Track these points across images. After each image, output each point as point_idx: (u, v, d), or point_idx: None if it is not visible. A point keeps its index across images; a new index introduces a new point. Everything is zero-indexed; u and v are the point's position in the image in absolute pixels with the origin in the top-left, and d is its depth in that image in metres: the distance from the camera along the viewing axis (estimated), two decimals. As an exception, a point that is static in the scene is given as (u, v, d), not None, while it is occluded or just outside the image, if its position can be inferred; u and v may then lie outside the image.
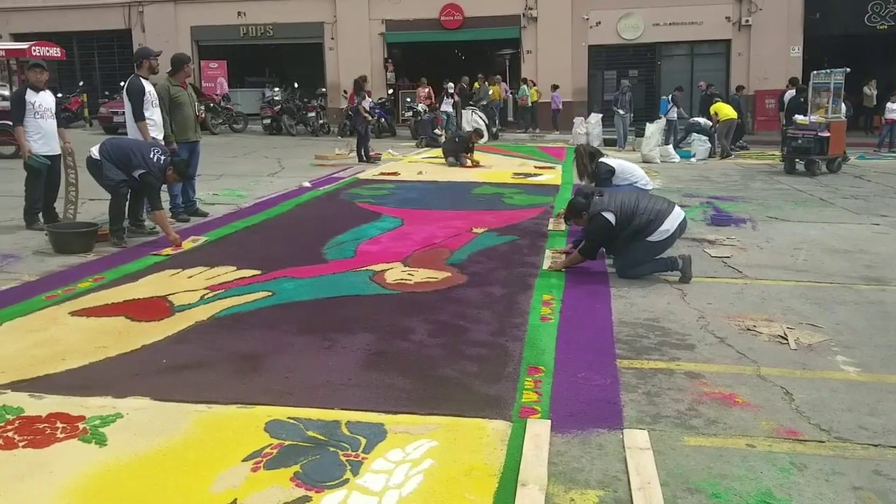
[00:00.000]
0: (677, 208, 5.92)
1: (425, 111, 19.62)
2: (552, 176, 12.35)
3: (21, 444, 3.07)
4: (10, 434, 3.16)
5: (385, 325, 4.67)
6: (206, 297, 5.22)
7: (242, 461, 2.93)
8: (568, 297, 5.33)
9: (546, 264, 6.23)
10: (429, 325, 4.69)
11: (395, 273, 5.95)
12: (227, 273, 5.85)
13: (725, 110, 15.98)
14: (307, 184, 11.01)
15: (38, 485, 2.76)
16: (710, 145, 15.95)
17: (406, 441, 3.12)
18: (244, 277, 5.74)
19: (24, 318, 4.76)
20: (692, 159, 15.19)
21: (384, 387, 3.72)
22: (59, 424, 3.25)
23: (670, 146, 15.46)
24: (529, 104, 21.99)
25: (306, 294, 5.36)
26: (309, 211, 9.02)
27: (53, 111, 7.69)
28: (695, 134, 16.16)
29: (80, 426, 3.23)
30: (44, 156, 7.50)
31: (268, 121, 21.10)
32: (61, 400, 3.50)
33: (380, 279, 5.76)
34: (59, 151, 7.74)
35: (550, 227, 7.93)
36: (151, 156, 6.78)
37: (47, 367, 3.92)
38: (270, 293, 5.33)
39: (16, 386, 3.66)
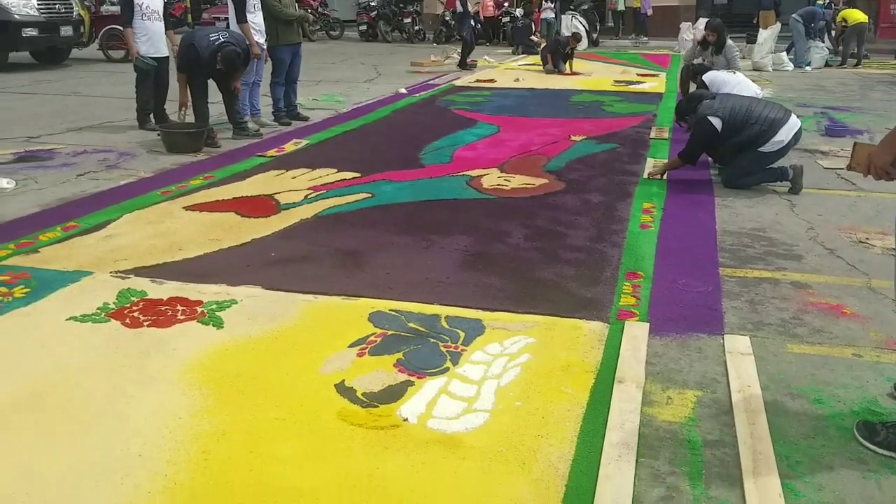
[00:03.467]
0: (793, 117, 5.58)
1: (521, 17, 19.05)
2: (655, 84, 11.88)
3: (146, 324, 3.31)
4: (135, 314, 3.41)
5: (482, 229, 4.71)
6: (309, 196, 5.37)
7: (349, 347, 3.07)
8: (669, 205, 5.22)
9: (646, 172, 6.08)
10: (525, 230, 4.70)
11: (492, 178, 5.94)
12: (328, 175, 5.98)
13: (855, 14, 14.85)
14: (403, 90, 10.99)
15: (163, 360, 2.98)
16: (826, 53, 14.92)
17: (504, 336, 3.19)
18: (344, 179, 5.86)
19: (142, 210, 5.04)
20: (807, 68, 14.28)
21: (481, 286, 3.78)
22: (179, 307, 3.47)
23: (784, 53, 14.54)
24: (622, 8, 21.03)
25: (404, 196, 5.44)
26: (405, 117, 9.03)
27: (161, 13, 7.84)
28: (811, 41, 15.12)
29: (199, 310, 3.44)
30: (151, 57, 7.71)
31: (364, 27, 21.03)
32: (180, 286, 3.73)
33: (476, 184, 5.78)
34: (166, 53, 7.93)
35: (652, 135, 7.69)
36: (210, 34, 6.98)
37: (165, 255, 4.17)
38: (370, 195, 5.44)
39: (138, 271, 3.92)
